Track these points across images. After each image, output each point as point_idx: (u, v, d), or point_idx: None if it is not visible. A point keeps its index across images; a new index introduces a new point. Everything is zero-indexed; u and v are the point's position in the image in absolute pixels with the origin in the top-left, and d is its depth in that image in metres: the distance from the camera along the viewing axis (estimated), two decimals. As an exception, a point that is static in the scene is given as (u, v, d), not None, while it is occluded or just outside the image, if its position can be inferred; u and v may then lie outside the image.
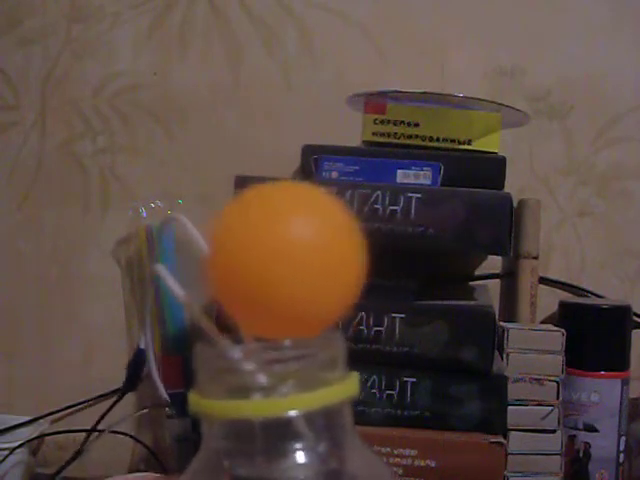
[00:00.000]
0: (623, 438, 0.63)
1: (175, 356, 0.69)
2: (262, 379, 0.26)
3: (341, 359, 0.29)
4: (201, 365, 0.28)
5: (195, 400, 0.27)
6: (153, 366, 0.65)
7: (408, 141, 0.62)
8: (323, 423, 0.27)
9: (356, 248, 0.30)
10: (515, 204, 0.57)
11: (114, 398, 0.71)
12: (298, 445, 0.27)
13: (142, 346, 0.67)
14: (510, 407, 0.55)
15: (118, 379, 0.75)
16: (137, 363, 0.69)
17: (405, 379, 0.54)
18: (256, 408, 0.26)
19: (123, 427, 0.71)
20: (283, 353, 0.27)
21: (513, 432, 0.56)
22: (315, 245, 0.28)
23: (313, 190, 0.30)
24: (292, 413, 0.26)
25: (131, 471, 0.71)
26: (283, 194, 0.30)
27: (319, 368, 0.27)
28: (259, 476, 0.27)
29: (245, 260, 0.27)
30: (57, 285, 0.78)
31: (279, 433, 0.26)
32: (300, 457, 0.27)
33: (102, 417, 0.70)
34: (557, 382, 0.57)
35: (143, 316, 0.67)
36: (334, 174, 0.59)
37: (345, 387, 0.28)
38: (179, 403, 0.66)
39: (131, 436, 0.70)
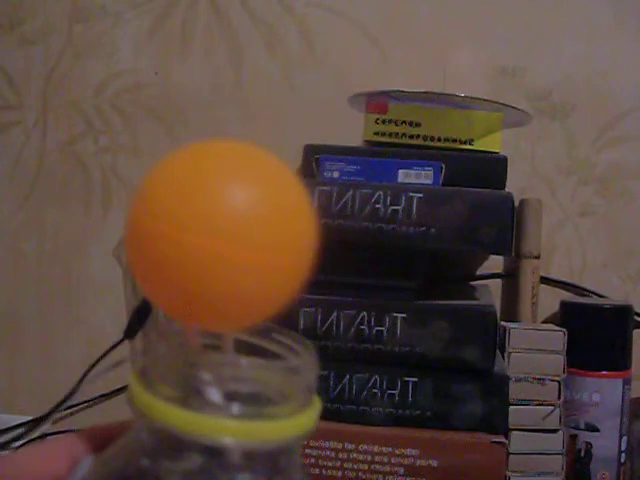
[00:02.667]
0: (624, 438, 0.63)
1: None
2: (215, 395, 0.23)
3: (307, 388, 0.25)
4: (155, 349, 0.25)
5: (137, 390, 0.23)
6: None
7: (410, 141, 0.62)
8: (263, 460, 0.24)
9: (306, 220, 0.24)
10: (516, 204, 0.57)
11: (115, 398, 0.72)
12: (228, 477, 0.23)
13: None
14: (511, 407, 0.55)
15: (119, 379, 0.75)
16: (141, 312, 0.66)
17: (406, 379, 0.54)
18: (194, 424, 0.22)
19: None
20: (243, 371, 0.24)
21: (514, 432, 0.56)
22: (256, 216, 0.23)
23: (257, 152, 0.25)
24: (228, 441, 0.22)
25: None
26: (216, 152, 0.25)
27: (277, 396, 0.24)
28: None
29: (165, 232, 0.23)
30: (58, 284, 0.78)
31: (211, 456, 0.23)
32: None
33: (96, 362, 0.69)
34: (559, 382, 0.57)
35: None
36: (335, 174, 0.59)
37: (299, 423, 0.23)
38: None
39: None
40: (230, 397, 0.23)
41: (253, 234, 0.22)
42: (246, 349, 0.25)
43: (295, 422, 0.23)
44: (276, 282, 0.24)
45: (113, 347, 0.69)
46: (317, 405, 0.25)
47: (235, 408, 0.23)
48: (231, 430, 0.22)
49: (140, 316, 0.66)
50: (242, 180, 0.23)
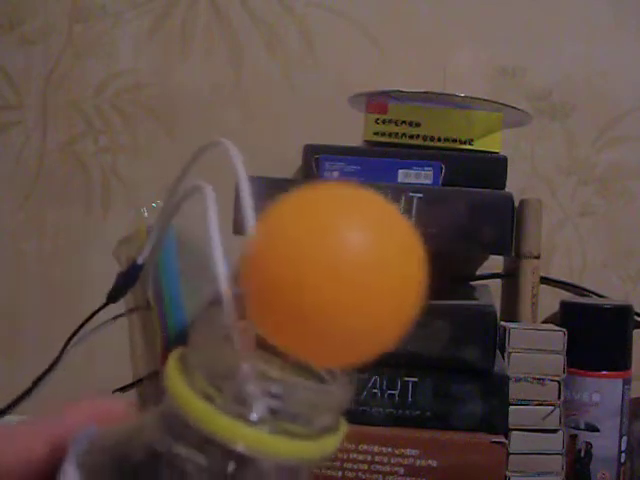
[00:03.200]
0: (624, 438, 0.63)
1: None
2: (256, 411, 0.23)
3: (337, 411, 0.25)
4: (203, 347, 0.24)
5: (174, 375, 0.24)
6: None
7: (409, 141, 0.62)
8: (283, 473, 0.24)
9: (419, 264, 0.26)
10: (516, 204, 0.57)
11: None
12: None
13: (139, 262, 0.62)
14: (511, 407, 0.55)
15: (120, 379, 0.75)
16: (128, 276, 0.65)
17: (406, 379, 0.54)
18: (225, 431, 0.22)
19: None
20: (282, 389, 0.23)
21: (514, 432, 0.56)
22: (374, 261, 0.24)
23: (367, 194, 0.26)
24: (245, 449, 0.22)
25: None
26: (331, 199, 0.26)
27: (309, 419, 0.24)
28: None
29: (287, 277, 0.23)
30: (59, 284, 0.78)
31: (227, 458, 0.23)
32: None
33: (79, 328, 0.69)
34: (558, 382, 0.57)
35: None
36: (335, 174, 0.59)
37: (321, 446, 0.24)
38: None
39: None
40: (263, 409, 0.23)
41: (368, 278, 0.23)
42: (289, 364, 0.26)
43: (317, 445, 0.24)
44: (390, 322, 0.25)
45: (96, 311, 0.68)
46: (343, 429, 0.25)
47: (267, 424, 0.23)
48: (254, 440, 0.22)
49: (125, 282, 0.66)
50: (359, 225, 0.24)
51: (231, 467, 0.23)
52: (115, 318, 0.69)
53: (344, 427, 0.25)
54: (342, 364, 0.26)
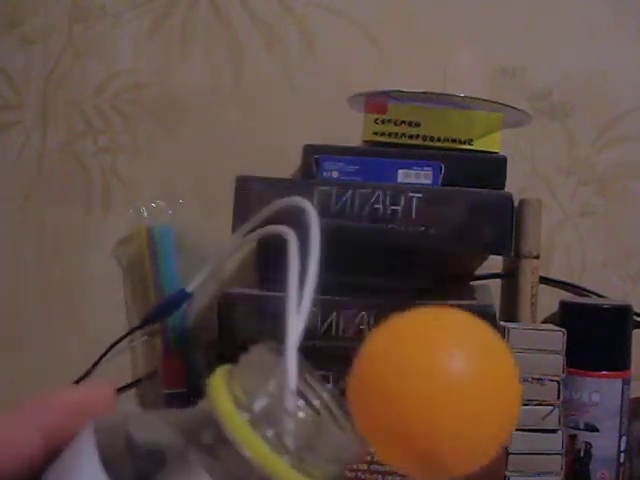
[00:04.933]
0: (624, 438, 0.63)
1: (176, 351, 0.69)
2: (289, 443, 0.23)
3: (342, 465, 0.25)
4: (258, 371, 0.25)
5: (222, 396, 0.24)
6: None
7: (409, 141, 0.62)
8: None
9: (516, 389, 0.27)
10: (516, 204, 0.57)
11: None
12: None
13: (188, 290, 0.59)
14: (511, 407, 0.55)
15: (120, 379, 0.75)
16: (172, 302, 0.64)
17: (406, 379, 0.54)
18: (262, 456, 0.23)
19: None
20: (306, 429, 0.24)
21: (514, 432, 0.56)
22: (478, 379, 0.25)
23: (465, 317, 0.28)
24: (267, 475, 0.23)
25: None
26: (436, 322, 0.27)
27: (320, 458, 0.24)
28: None
29: (398, 395, 0.25)
30: (58, 285, 0.78)
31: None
32: None
33: (112, 346, 0.71)
34: (558, 382, 0.57)
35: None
36: (335, 174, 0.59)
37: None
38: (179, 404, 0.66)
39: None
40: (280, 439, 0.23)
41: (469, 404, 0.25)
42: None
43: None
44: (486, 444, 0.27)
45: (131, 332, 0.70)
46: None
47: (287, 456, 0.23)
48: (274, 468, 0.23)
49: (169, 308, 0.65)
50: (463, 351, 0.26)
51: None
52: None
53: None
54: (445, 477, 0.27)
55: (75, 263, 0.78)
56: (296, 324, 0.27)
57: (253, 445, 0.23)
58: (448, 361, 0.25)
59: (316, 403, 0.25)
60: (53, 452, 0.24)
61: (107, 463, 0.23)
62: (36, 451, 0.24)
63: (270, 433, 0.23)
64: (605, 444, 0.62)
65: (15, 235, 0.78)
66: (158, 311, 0.65)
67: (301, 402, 0.24)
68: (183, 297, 0.60)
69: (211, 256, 0.55)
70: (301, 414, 0.24)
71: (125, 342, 0.73)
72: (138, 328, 0.71)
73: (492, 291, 0.69)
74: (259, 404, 0.24)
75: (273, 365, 0.25)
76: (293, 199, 0.32)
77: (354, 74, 0.76)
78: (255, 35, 0.77)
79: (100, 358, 0.73)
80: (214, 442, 0.24)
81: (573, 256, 0.75)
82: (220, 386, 0.24)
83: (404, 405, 0.25)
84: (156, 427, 0.25)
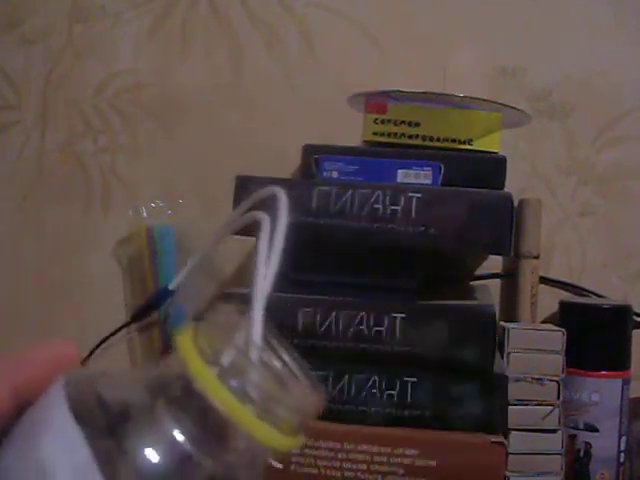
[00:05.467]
0: (624, 438, 0.63)
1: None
2: (256, 392, 0.24)
3: (304, 417, 0.26)
4: (217, 322, 0.26)
5: (190, 351, 0.25)
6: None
7: (409, 141, 0.62)
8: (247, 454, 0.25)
9: None
10: (516, 204, 0.57)
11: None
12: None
13: (171, 287, 0.64)
14: (511, 407, 0.55)
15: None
16: (157, 298, 0.68)
17: (406, 379, 0.54)
18: (215, 394, 0.24)
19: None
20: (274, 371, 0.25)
21: (514, 432, 0.56)
22: None
23: None
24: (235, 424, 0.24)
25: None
26: None
27: (284, 409, 0.25)
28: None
29: None
30: (58, 285, 0.78)
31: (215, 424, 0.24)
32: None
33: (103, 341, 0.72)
34: (558, 382, 0.57)
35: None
36: (334, 174, 0.59)
37: (286, 441, 0.25)
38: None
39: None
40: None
41: None
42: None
43: (283, 439, 0.25)
44: None
45: (120, 328, 0.71)
46: (299, 441, 0.26)
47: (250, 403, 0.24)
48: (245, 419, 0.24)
49: (154, 303, 0.67)
50: None
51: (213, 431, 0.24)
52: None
53: (300, 442, 0.26)
54: None
55: (75, 263, 0.78)
56: (263, 284, 0.27)
57: (221, 397, 0.23)
58: None
59: (278, 363, 0.25)
60: (24, 408, 0.24)
61: (77, 415, 0.23)
62: (6, 407, 0.24)
63: (236, 385, 0.24)
64: (605, 444, 0.62)
65: (15, 235, 0.78)
66: (143, 308, 0.68)
67: (266, 355, 0.25)
68: (165, 294, 0.65)
69: (195, 251, 0.57)
70: (265, 367, 0.24)
71: (115, 339, 0.75)
72: (126, 325, 0.72)
73: (492, 291, 0.69)
74: (226, 358, 0.24)
75: (239, 322, 0.26)
76: (268, 189, 0.32)
77: (354, 74, 0.76)
78: (255, 35, 0.77)
79: (90, 353, 0.74)
80: (182, 395, 0.24)
81: (573, 256, 0.75)
82: (188, 342, 0.25)
83: None
84: (125, 384, 0.26)
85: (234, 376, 0.24)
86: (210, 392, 0.24)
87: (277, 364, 0.25)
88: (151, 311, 0.69)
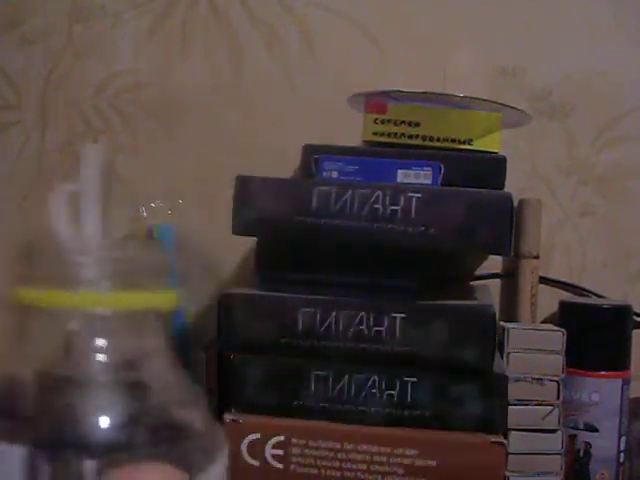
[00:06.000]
0: (624, 438, 0.63)
1: (175, 351, 0.69)
2: (86, 272, 0.26)
3: (162, 273, 0.28)
4: (35, 256, 0.28)
5: (16, 291, 0.26)
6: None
7: (409, 141, 0.62)
8: (134, 329, 0.27)
9: None
10: (516, 204, 0.57)
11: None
12: (103, 345, 0.26)
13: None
14: (511, 407, 0.55)
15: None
16: None
17: (405, 379, 0.54)
18: (72, 300, 0.25)
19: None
20: (110, 252, 0.27)
21: (514, 432, 0.56)
22: None
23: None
24: (105, 311, 0.26)
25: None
26: None
27: (141, 274, 0.27)
28: (60, 372, 0.26)
29: None
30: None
31: (89, 331, 0.26)
32: (103, 358, 0.26)
33: None
34: (558, 382, 0.57)
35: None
36: (334, 174, 0.59)
37: (161, 297, 0.27)
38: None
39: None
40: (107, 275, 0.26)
41: None
42: None
43: (161, 295, 0.27)
44: None
45: None
46: (174, 292, 0.28)
47: (105, 283, 0.26)
48: (111, 300, 0.25)
49: None
50: None
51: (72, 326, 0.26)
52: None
53: (173, 291, 0.28)
54: None
55: (75, 263, 0.78)
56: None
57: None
58: None
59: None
60: None
61: None
62: None
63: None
64: (605, 444, 0.62)
65: (14, 235, 0.78)
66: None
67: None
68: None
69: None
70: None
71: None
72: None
73: (492, 291, 0.69)
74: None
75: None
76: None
77: (354, 74, 0.76)
78: (255, 35, 0.77)
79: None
80: None
81: (573, 256, 0.75)
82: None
83: None
84: None
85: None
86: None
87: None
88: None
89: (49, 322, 0.26)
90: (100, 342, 0.26)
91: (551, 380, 0.57)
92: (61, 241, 0.28)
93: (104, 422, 0.25)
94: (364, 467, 0.52)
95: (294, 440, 0.52)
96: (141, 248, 0.29)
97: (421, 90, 0.60)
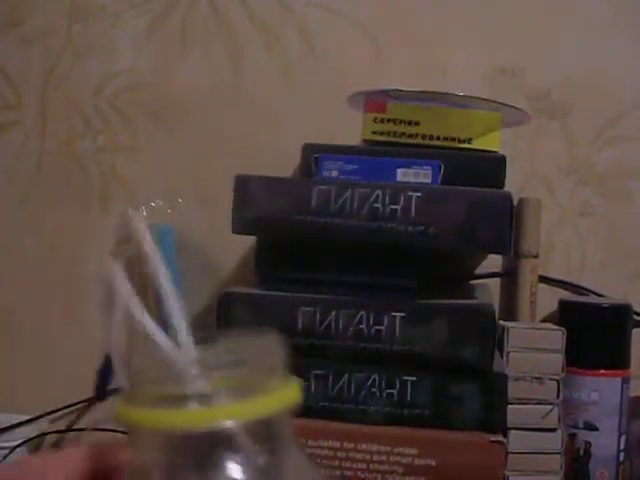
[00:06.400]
0: (623, 437, 0.63)
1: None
2: (200, 385, 0.24)
3: (280, 365, 0.26)
4: (134, 370, 0.26)
5: (122, 408, 0.25)
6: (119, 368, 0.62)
7: (408, 140, 0.62)
8: (262, 434, 0.25)
9: None
10: (515, 203, 0.57)
11: (114, 397, 0.72)
12: (235, 458, 0.24)
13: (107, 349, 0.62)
14: (510, 406, 0.55)
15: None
16: (105, 372, 0.66)
17: (405, 378, 0.54)
18: (191, 418, 0.24)
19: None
20: (221, 357, 0.25)
21: (513, 431, 0.56)
22: None
23: None
24: (230, 423, 0.24)
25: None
26: None
27: (257, 374, 0.25)
28: None
29: None
30: (57, 284, 0.78)
31: (214, 445, 0.24)
32: (237, 472, 0.24)
33: (70, 426, 0.70)
34: (557, 381, 0.57)
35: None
36: (334, 173, 0.59)
37: (286, 395, 0.25)
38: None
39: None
40: (221, 383, 0.24)
41: None
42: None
43: (284, 394, 0.25)
44: None
45: (84, 410, 0.69)
46: (294, 384, 0.26)
47: (223, 393, 0.24)
48: (233, 412, 0.24)
49: (104, 377, 0.65)
50: None
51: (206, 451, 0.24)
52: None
53: (296, 380, 0.26)
54: None
55: (74, 263, 0.78)
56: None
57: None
58: None
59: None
60: None
61: None
62: None
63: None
64: (604, 443, 0.62)
65: (14, 234, 0.78)
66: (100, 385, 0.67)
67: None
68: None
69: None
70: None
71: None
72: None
73: (492, 290, 0.69)
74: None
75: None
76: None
77: (353, 73, 0.76)
78: (255, 35, 0.77)
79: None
80: None
81: (572, 255, 0.75)
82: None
83: None
84: None
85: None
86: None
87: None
88: (108, 384, 0.67)
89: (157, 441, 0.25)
90: (230, 456, 0.24)
91: (551, 379, 0.57)
92: (164, 352, 0.26)
93: None
94: (364, 466, 0.52)
95: (294, 439, 0.52)
96: (248, 343, 0.27)
97: (421, 89, 0.60)
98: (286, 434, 0.26)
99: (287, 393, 0.25)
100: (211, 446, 0.24)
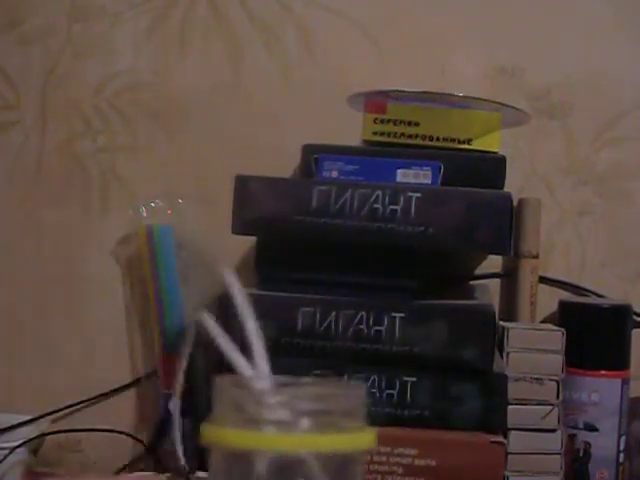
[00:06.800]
0: (623, 437, 0.63)
1: (175, 355, 0.69)
2: (282, 413, 0.25)
3: (361, 411, 0.28)
4: (219, 395, 0.28)
5: (208, 429, 0.26)
6: (177, 431, 0.62)
7: (408, 140, 0.62)
8: (334, 470, 0.26)
9: None
10: (515, 203, 0.57)
11: (114, 397, 0.72)
12: None
13: (171, 407, 0.63)
14: (510, 406, 0.55)
15: (118, 378, 0.75)
16: (164, 423, 0.67)
17: (405, 378, 0.54)
18: (270, 442, 0.25)
19: (123, 426, 0.71)
20: (304, 391, 0.27)
21: (513, 431, 0.56)
22: None
23: None
24: (305, 452, 0.25)
25: (131, 471, 0.71)
26: None
27: (338, 414, 0.26)
28: None
29: None
30: (57, 285, 0.78)
31: (289, 471, 0.25)
32: None
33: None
34: (557, 381, 0.57)
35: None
36: (334, 173, 0.59)
37: (361, 438, 0.27)
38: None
39: (131, 435, 0.70)
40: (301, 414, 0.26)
41: None
42: None
43: (360, 436, 0.27)
44: None
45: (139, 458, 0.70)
46: (371, 429, 0.28)
47: (305, 423, 0.25)
48: (309, 442, 0.25)
49: (163, 427, 0.66)
50: None
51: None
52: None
53: (372, 428, 0.28)
54: None
55: (74, 263, 0.78)
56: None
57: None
58: None
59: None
60: None
61: None
62: None
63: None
64: (604, 444, 0.62)
65: (14, 235, 0.78)
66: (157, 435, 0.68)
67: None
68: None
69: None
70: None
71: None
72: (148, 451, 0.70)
73: (491, 291, 0.69)
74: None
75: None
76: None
77: (353, 74, 0.76)
78: (254, 35, 0.77)
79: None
80: None
81: (572, 256, 0.75)
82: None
83: None
84: None
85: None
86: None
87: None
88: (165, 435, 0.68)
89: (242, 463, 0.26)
90: None
91: (551, 380, 0.57)
92: (248, 381, 0.28)
93: None
94: (364, 467, 0.52)
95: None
96: (333, 386, 0.29)
97: (421, 90, 0.60)
98: (356, 475, 0.27)
99: (364, 436, 0.27)
100: (285, 471, 0.25)
